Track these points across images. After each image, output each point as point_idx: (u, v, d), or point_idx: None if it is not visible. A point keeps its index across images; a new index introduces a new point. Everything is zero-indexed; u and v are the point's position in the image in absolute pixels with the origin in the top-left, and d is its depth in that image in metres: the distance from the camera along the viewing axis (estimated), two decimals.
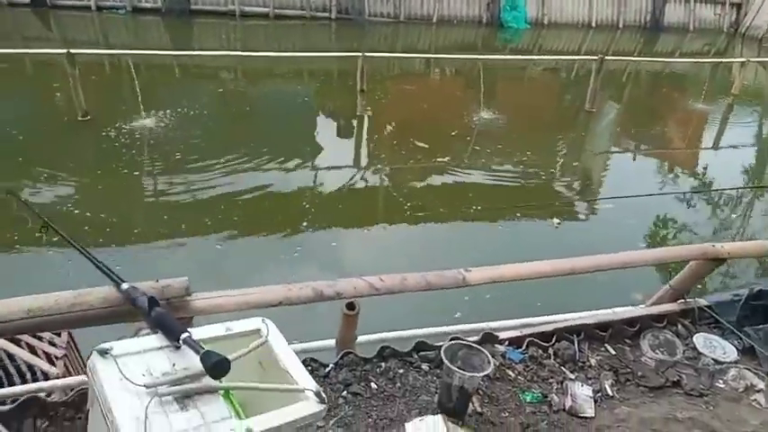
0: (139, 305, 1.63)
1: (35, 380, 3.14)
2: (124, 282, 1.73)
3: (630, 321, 2.74)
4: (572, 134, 9.36)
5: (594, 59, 9.40)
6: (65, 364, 3.00)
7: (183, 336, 1.47)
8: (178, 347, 1.50)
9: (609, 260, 2.64)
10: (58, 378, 2.91)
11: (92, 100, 7.80)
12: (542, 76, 13.52)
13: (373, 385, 2.14)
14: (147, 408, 1.28)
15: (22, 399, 1.74)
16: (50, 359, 3.15)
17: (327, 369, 2.14)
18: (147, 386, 1.36)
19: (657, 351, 2.60)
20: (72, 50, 7.28)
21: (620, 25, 18.25)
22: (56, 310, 1.70)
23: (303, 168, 7.24)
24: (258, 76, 11.54)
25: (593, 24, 18.06)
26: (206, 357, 1.39)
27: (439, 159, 7.55)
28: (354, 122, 8.96)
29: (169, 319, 1.53)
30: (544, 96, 11.93)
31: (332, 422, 1.94)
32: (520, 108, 10.34)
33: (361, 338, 2.44)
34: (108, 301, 1.73)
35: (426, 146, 7.87)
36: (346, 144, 8.42)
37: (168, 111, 8.32)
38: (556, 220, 6.17)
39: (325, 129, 9.00)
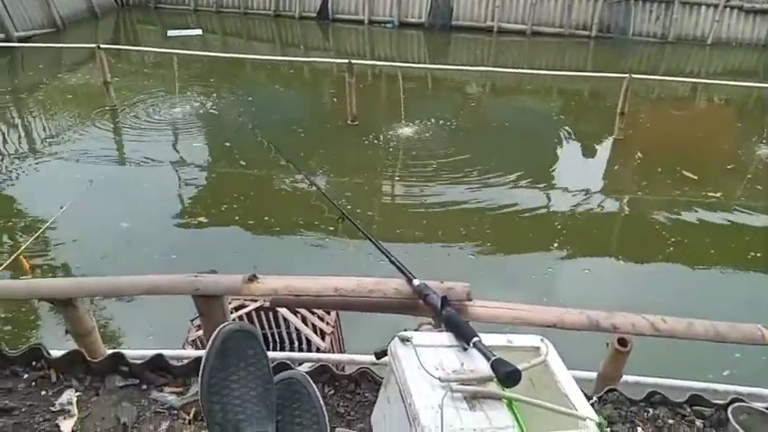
0: (430, 302, 1.74)
1: (300, 349, 3.57)
2: (415, 278, 1.87)
3: None
4: None
5: None
6: (331, 341, 3.35)
7: (474, 339, 1.53)
8: (465, 349, 1.57)
9: None
10: (324, 352, 3.26)
11: (358, 105, 8.61)
12: None
13: (639, 430, 2.01)
14: (443, 399, 1.37)
15: (317, 365, 1.94)
16: (316, 332, 3.54)
17: (591, 401, 2.06)
18: (440, 379, 1.45)
19: None
20: (353, 61, 8.14)
21: None
22: (357, 292, 1.90)
23: (552, 188, 7.15)
24: (509, 91, 11.63)
25: None
26: (498, 364, 1.42)
27: (710, 194, 6.85)
28: (609, 144, 8.53)
29: (460, 321, 1.61)
30: None
31: None
32: None
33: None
34: (400, 293, 1.88)
35: (695, 177, 7.19)
36: (600, 167, 8.07)
37: (424, 120, 8.83)
38: None
39: (576, 150, 8.74)
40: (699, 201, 6.71)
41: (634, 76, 8.01)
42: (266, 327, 3.54)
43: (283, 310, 3.41)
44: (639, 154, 8.08)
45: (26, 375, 1.99)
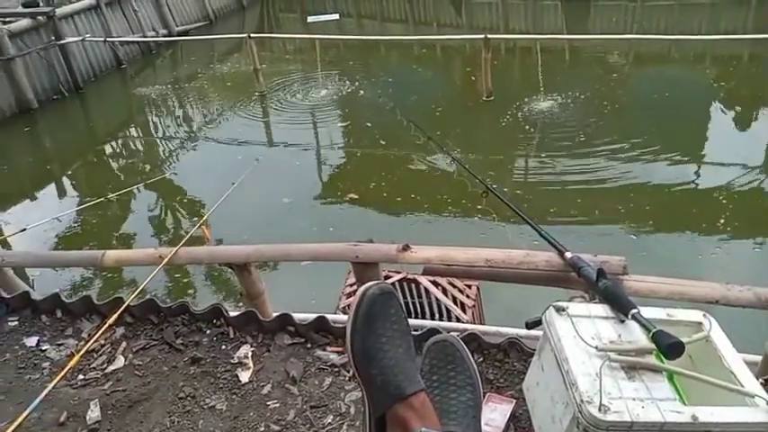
0: (585, 274, 1.75)
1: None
2: (567, 251, 1.88)
3: None
4: None
5: None
6: (472, 314, 3.42)
7: (633, 311, 1.52)
8: (623, 321, 1.57)
9: None
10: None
11: (493, 81, 8.47)
12: None
13: None
14: (601, 368, 1.39)
15: (466, 333, 2.01)
16: (457, 304, 3.62)
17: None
18: (598, 349, 1.46)
19: None
20: (489, 35, 8.05)
21: None
22: (507, 263, 1.94)
23: (713, 163, 6.73)
24: (655, 60, 10.83)
25: None
26: (660, 336, 1.41)
27: None
28: None
29: (620, 292, 1.61)
30: None
31: None
32: None
33: None
34: (551, 265, 1.90)
35: None
36: (763, 138, 7.34)
37: (563, 94, 8.51)
38: None
39: (734, 120, 8.01)
40: None
41: None
42: (408, 297, 3.67)
43: (425, 282, 3.53)
44: None
45: (209, 331, 2.28)
